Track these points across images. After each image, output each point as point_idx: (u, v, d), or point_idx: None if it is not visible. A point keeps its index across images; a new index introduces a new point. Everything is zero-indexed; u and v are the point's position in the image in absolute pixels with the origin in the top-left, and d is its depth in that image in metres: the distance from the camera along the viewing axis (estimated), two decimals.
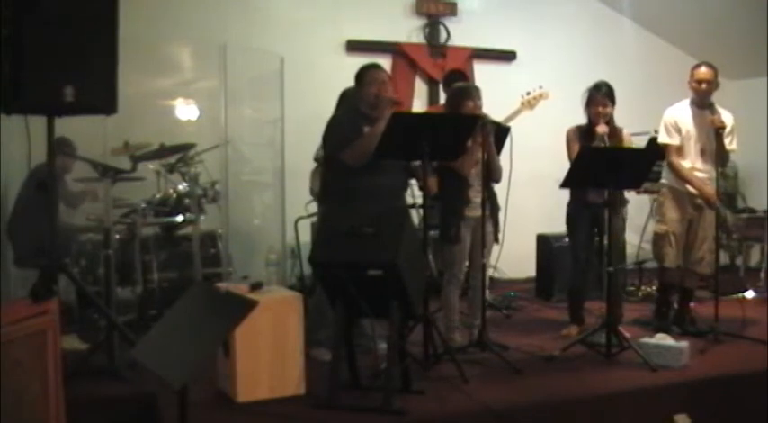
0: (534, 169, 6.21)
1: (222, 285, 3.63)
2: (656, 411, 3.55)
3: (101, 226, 4.52)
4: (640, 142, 5.38)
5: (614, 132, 4.55)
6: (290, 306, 3.45)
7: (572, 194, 4.71)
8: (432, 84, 6.87)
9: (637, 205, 6.47)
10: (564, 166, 4.28)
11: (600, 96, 4.52)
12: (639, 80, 7.20)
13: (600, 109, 4.52)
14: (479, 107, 4.22)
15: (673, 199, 4.70)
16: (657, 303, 4.94)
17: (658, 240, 4.75)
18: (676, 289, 4.84)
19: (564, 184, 4.16)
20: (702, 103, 4.59)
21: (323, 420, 3.16)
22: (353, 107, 4.18)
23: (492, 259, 4.63)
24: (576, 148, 4.48)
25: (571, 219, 4.75)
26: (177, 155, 4.99)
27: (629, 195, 4.93)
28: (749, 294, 5.97)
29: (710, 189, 4.56)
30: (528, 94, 4.88)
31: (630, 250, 6.35)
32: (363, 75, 4.13)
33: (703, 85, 4.56)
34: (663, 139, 4.68)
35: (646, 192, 5.98)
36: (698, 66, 4.64)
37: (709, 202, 4.58)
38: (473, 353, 4.07)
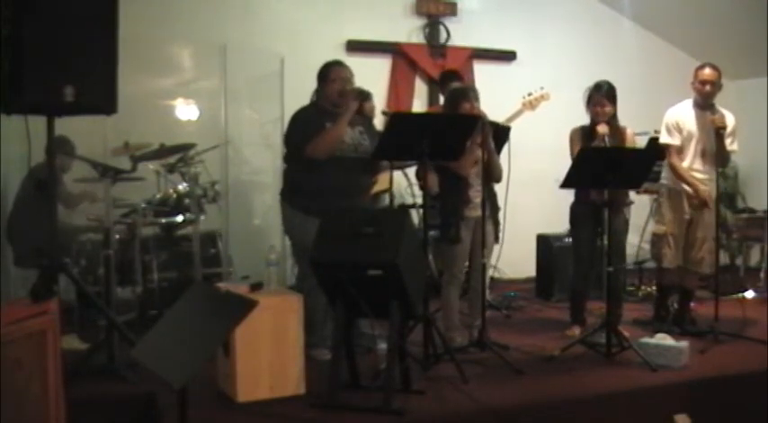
0: (534, 169, 6.22)
1: (222, 285, 3.63)
2: (656, 411, 3.55)
3: (101, 226, 4.53)
4: (640, 142, 5.38)
5: (617, 131, 4.53)
6: (290, 306, 3.45)
7: (576, 194, 4.71)
8: (432, 84, 6.86)
9: (637, 205, 6.47)
10: (564, 165, 4.28)
11: (599, 96, 4.51)
12: (639, 80, 7.19)
13: (599, 109, 4.50)
14: (477, 108, 4.21)
15: (671, 199, 4.70)
16: (656, 306, 4.93)
17: (657, 241, 4.76)
18: (676, 290, 4.84)
19: (564, 185, 4.15)
20: (705, 103, 4.58)
21: (323, 420, 3.16)
22: (315, 103, 4.16)
23: (492, 259, 4.63)
24: (578, 148, 4.48)
25: (574, 218, 4.74)
26: (177, 155, 4.99)
27: (633, 196, 4.92)
28: (749, 294, 5.97)
29: (707, 191, 4.56)
30: (529, 94, 4.88)
31: (630, 250, 6.35)
32: (327, 72, 4.10)
33: (707, 87, 4.55)
34: (664, 139, 4.68)
35: (646, 192, 5.98)
36: (702, 67, 4.63)
37: (704, 204, 4.58)
38: (473, 353, 4.07)
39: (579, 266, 4.72)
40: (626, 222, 4.79)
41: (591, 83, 4.62)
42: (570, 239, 5.00)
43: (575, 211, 4.74)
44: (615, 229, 4.49)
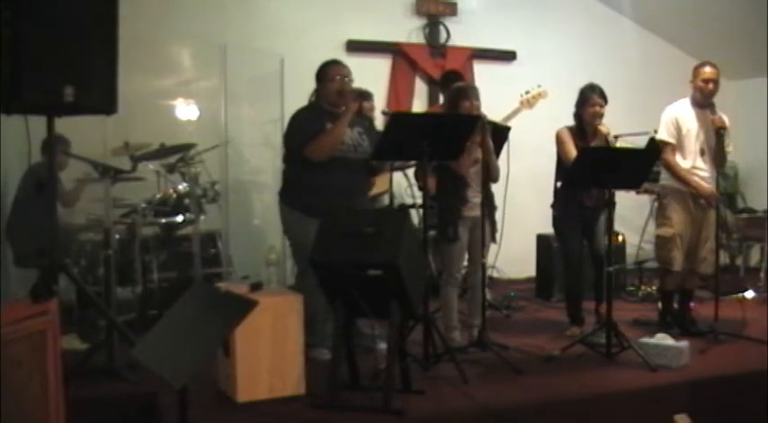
0: (534, 169, 6.20)
1: (222, 285, 3.63)
2: (656, 411, 3.55)
3: (101, 226, 4.52)
4: (640, 142, 5.39)
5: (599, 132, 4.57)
6: (290, 306, 3.44)
7: (561, 197, 4.68)
8: (432, 84, 6.86)
9: (637, 205, 6.49)
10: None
11: (596, 96, 4.54)
12: (639, 80, 7.21)
13: (597, 109, 4.53)
14: (477, 107, 4.21)
15: (677, 200, 4.63)
16: (662, 313, 4.88)
17: (665, 244, 4.63)
18: (677, 290, 4.83)
19: (565, 184, 4.15)
20: (706, 102, 4.57)
21: (323, 420, 3.16)
22: (315, 103, 4.15)
23: (491, 259, 4.62)
24: (571, 147, 4.48)
25: (562, 222, 4.72)
26: (177, 155, 4.99)
27: (628, 196, 4.92)
28: (749, 294, 5.96)
29: (708, 186, 4.56)
30: (527, 92, 4.88)
31: (630, 250, 6.36)
32: (325, 71, 4.10)
33: (710, 85, 4.54)
34: (662, 135, 4.65)
35: (645, 192, 5.98)
36: (702, 65, 4.61)
37: (708, 200, 4.57)
38: (473, 353, 4.07)
39: (571, 270, 4.72)
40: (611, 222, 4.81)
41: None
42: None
43: (561, 215, 4.70)
44: (601, 230, 4.50)
